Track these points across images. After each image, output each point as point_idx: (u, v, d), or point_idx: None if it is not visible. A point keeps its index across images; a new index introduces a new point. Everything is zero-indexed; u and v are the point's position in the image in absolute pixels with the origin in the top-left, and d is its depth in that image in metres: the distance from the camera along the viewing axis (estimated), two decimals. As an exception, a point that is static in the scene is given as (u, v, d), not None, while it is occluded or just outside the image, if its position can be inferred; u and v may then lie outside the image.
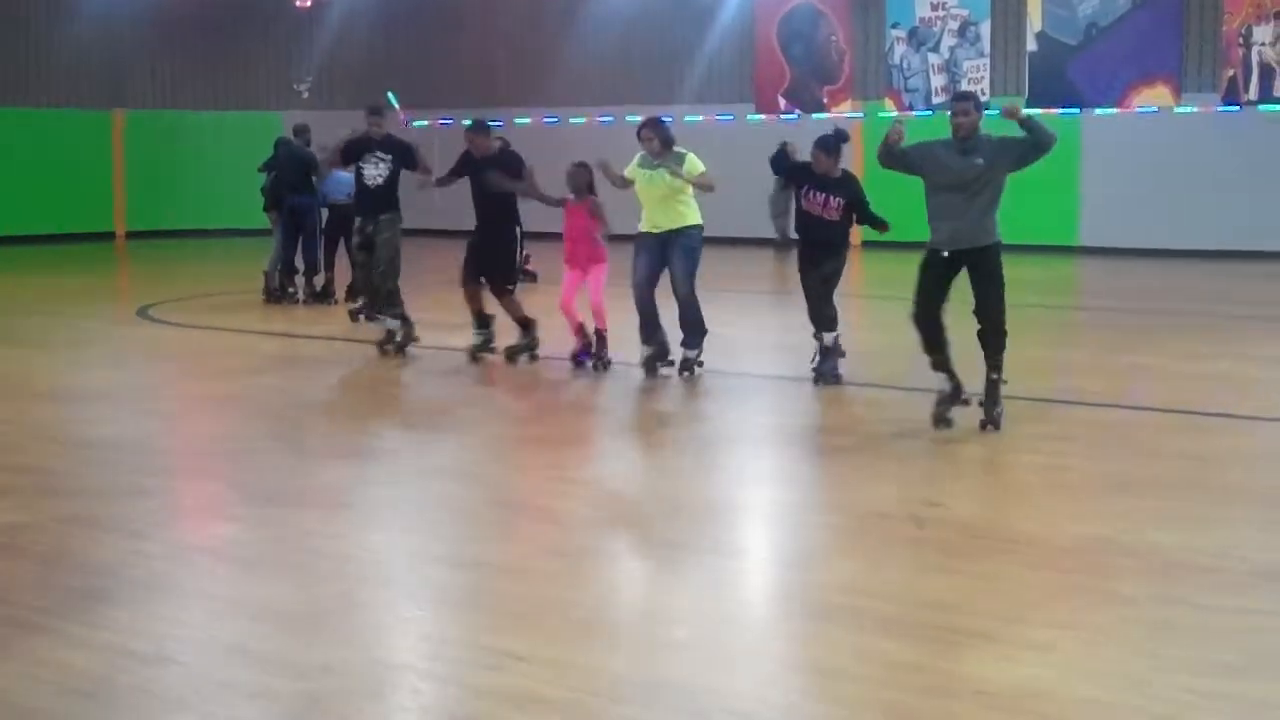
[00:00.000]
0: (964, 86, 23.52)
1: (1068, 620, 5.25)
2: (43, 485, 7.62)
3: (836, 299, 10.70)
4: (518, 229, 11.92)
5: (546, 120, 26.57)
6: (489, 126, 12.20)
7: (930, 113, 23.58)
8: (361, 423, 9.64)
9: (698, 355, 10.84)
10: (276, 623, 5.35)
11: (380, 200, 12.20)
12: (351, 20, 28.52)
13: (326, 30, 28.43)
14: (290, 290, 16.42)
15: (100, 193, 26.62)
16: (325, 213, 16.44)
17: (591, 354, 11.26)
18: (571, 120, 26.48)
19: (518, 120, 26.00)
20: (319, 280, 16.52)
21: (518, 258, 12.09)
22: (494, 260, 11.70)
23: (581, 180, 11.26)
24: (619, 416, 10.02)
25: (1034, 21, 22.93)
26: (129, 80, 27.28)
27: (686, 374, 10.74)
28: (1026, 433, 8.96)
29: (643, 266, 10.89)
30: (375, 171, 12.17)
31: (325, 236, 16.60)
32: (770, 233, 23.08)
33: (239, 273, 18.83)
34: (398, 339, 12.15)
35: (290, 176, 16.29)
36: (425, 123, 25.13)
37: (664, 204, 10.83)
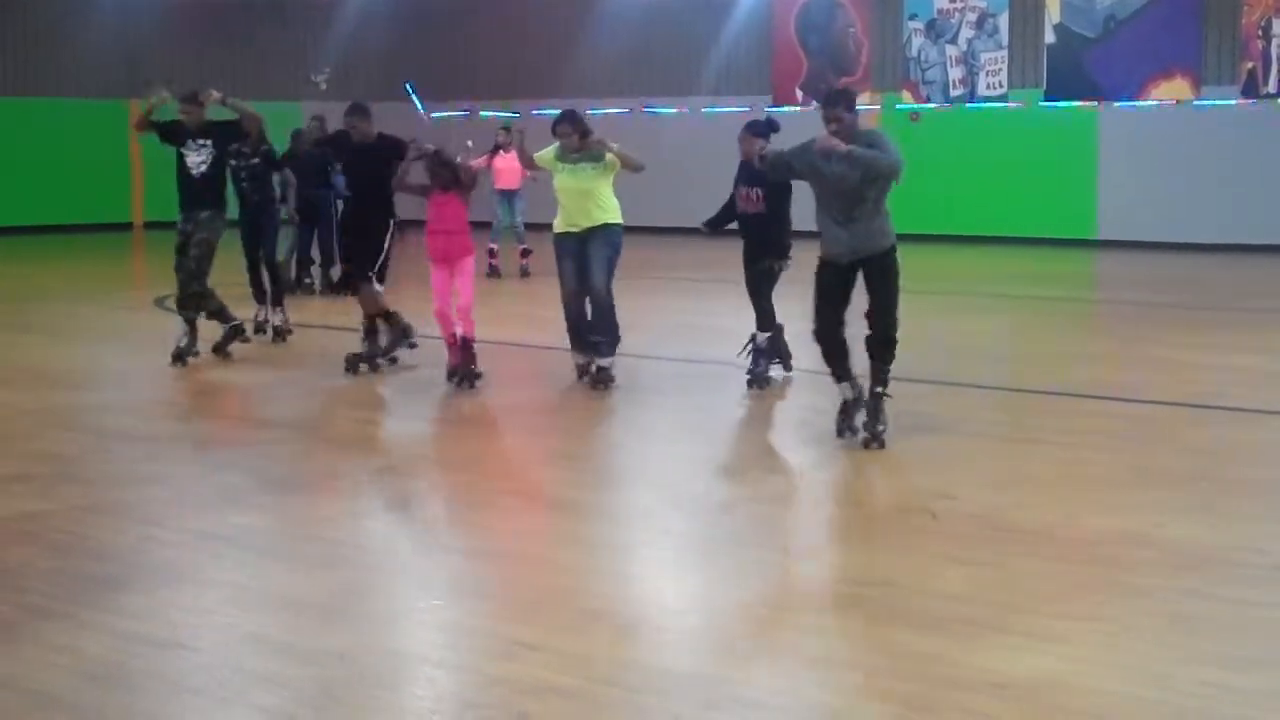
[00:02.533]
0: (982, 79, 23.46)
1: (1085, 612, 5.22)
2: (59, 473, 7.63)
3: (783, 298, 10.20)
4: (391, 221, 10.87)
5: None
6: (369, 110, 11.11)
7: (948, 104, 23.53)
8: (375, 412, 9.64)
9: (612, 365, 9.92)
10: (291, 611, 5.35)
11: (201, 193, 11.11)
12: (370, 12, 28.53)
13: (345, 21, 28.44)
14: (306, 281, 16.47)
15: (118, 183, 26.68)
16: (341, 205, 16.57)
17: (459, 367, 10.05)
18: (589, 111, 26.45)
19: (535, 111, 25.97)
20: (335, 272, 16.55)
21: (386, 249, 10.85)
22: (362, 248, 10.77)
23: (447, 176, 10.13)
24: (625, 413, 9.97)
25: (1052, 14, 22.83)
26: (146, 70, 27.29)
27: (602, 388, 9.84)
28: (1043, 425, 8.93)
29: (571, 277, 10.15)
30: (197, 159, 11.10)
31: (340, 229, 16.71)
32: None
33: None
34: (181, 344, 10.99)
35: (306, 168, 16.35)
36: (444, 114, 25.13)
37: (583, 201, 10.10)
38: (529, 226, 18.67)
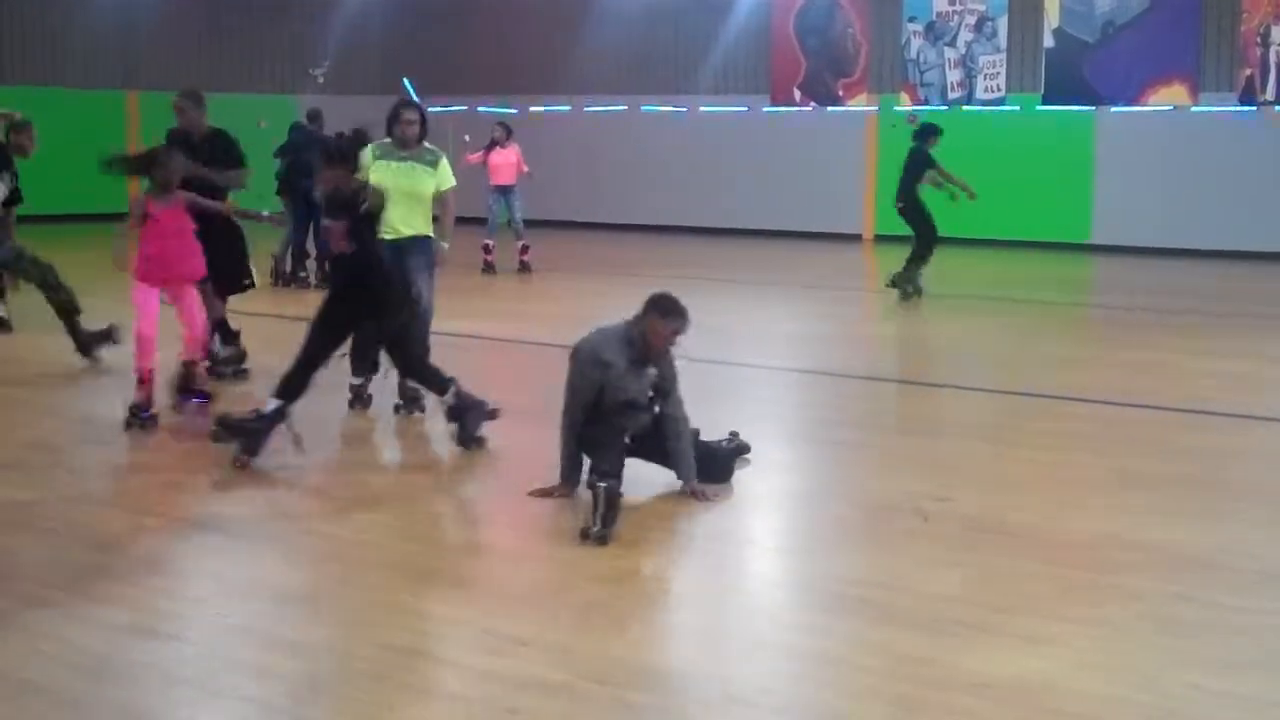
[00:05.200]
0: (980, 82, 23.48)
1: (1074, 615, 5.23)
2: (50, 462, 7.63)
3: None
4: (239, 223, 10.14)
5: (558, 108, 26.55)
6: (201, 97, 10.19)
7: (945, 107, 23.53)
8: (370, 406, 9.60)
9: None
10: (281, 603, 5.35)
11: None
12: (368, 6, 28.53)
13: (343, 15, 28.45)
14: (301, 274, 16.47)
15: (118, 176, 26.64)
16: None
17: (193, 391, 9.01)
18: (587, 109, 26.47)
19: (533, 108, 25.99)
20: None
21: (245, 255, 10.28)
22: (221, 259, 9.69)
23: (175, 174, 8.79)
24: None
25: (1051, 18, 22.85)
26: (143, 61, 27.29)
27: (404, 412, 8.98)
28: (1034, 428, 8.94)
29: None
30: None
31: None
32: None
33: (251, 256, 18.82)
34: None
35: (303, 161, 16.35)
36: (441, 109, 25.10)
37: (411, 204, 8.90)
38: (528, 223, 18.69)
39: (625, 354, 6.82)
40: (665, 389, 6.97)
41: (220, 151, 9.99)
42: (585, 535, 6.07)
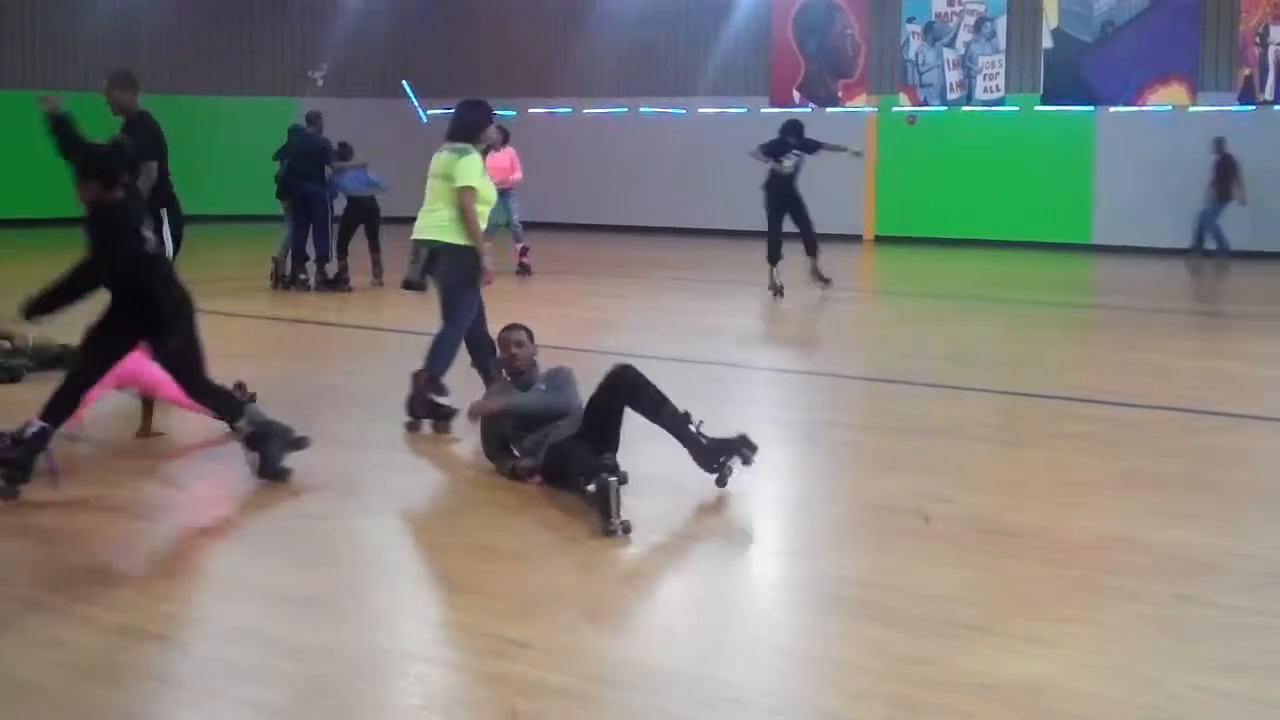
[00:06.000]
0: (979, 82, 23.49)
1: (1075, 616, 5.22)
2: (46, 466, 7.60)
3: None
4: (163, 212, 9.45)
5: (558, 110, 26.55)
6: (129, 77, 9.70)
7: (944, 108, 23.55)
8: (369, 409, 9.59)
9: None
10: (281, 606, 5.34)
11: None
12: (368, 9, 28.54)
13: (343, 18, 28.46)
14: (301, 277, 16.49)
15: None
16: (345, 201, 16.96)
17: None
18: (586, 111, 26.48)
19: (532, 109, 26.01)
20: (330, 268, 16.59)
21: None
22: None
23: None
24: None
25: (1050, 18, 22.87)
26: (144, 64, 27.28)
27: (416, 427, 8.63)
28: (1036, 429, 8.93)
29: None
30: None
31: (341, 225, 16.96)
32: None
33: (249, 259, 18.85)
34: None
35: (302, 165, 16.38)
36: (441, 112, 25.09)
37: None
38: (526, 225, 18.69)
39: (511, 383, 7.49)
40: (565, 399, 7.30)
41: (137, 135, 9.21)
42: (611, 532, 6.13)
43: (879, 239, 23.60)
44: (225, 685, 4.59)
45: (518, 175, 18.33)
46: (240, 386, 8.38)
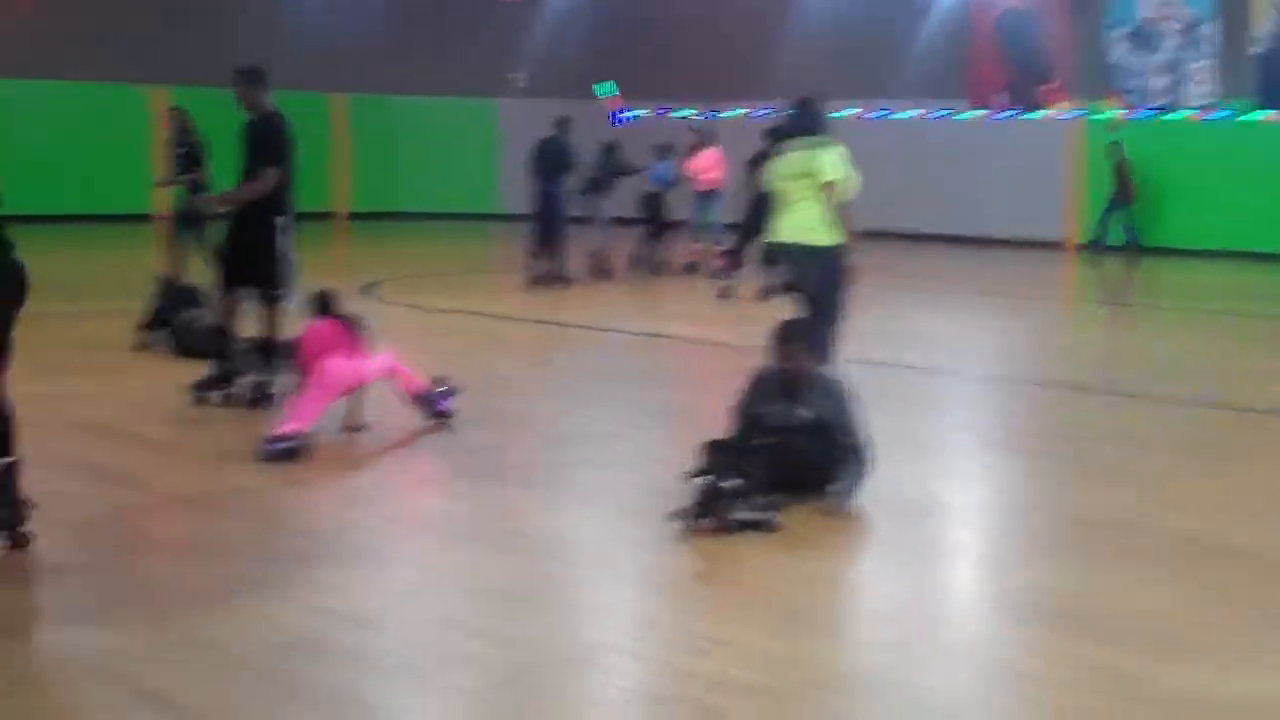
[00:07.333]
0: (1187, 88, 22.77)
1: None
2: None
3: None
4: (277, 219, 9.04)
5: (757, 114, 26.53)
6: (258, 74, 9.17)
7: (1152, 113, 22.92)
8: (577, 405, 9.62)
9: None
10: (487, 596, 5.43)
11: None
12: (569, 12, 29.01)
13: (543, 20, 28.97)
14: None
15: (320, 174, 27.41)
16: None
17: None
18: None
19: (727, 113, 26.01)
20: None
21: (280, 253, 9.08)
22: (250, 259, 8.98)
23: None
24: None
25: (1261, 23, 22.10)
26: (349, 64, 28.00)
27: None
28: (1243, 443, 8.66)
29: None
30: None
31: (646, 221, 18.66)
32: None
33: (460, 254, 19.29)
34: None
35: (545, 166, 16.88)
36: (636, 114, 25.30)
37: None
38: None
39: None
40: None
41: (258, 133, 9.10)
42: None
43: (1080, 247, 23.08)
44: (430, 668, 4.70)
45: (718, 175, 18.35)
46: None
